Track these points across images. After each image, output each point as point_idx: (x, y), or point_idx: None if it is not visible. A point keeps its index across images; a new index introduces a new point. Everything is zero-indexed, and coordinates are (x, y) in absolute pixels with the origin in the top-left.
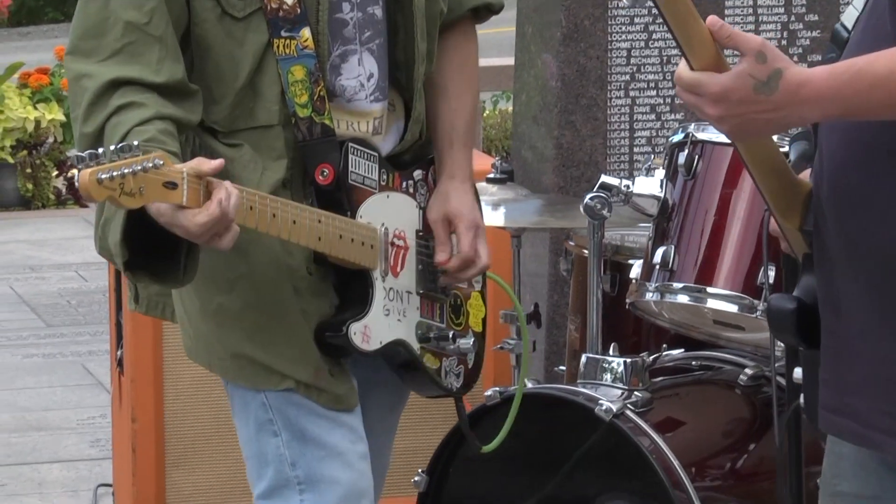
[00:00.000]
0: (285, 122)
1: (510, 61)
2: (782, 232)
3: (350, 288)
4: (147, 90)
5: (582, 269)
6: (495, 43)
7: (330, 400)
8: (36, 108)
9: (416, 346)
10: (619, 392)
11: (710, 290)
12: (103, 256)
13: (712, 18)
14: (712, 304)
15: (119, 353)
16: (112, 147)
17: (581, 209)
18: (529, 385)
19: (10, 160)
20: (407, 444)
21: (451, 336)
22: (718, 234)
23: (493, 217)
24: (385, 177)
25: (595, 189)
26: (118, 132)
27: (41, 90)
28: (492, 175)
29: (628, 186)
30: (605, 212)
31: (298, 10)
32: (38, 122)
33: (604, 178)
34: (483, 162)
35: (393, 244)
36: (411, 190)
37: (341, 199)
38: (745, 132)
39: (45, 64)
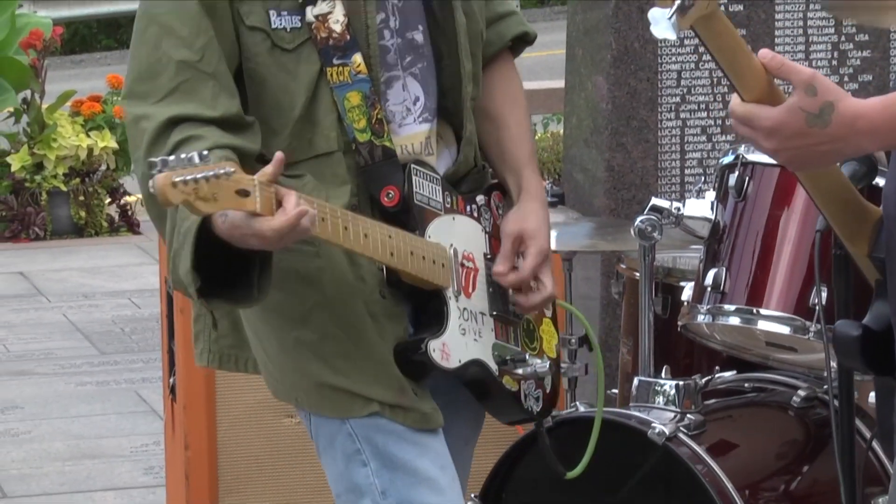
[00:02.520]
0: (345, 149)
1: (560, 84)
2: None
3: (425, 310)
4: (205, 124)
5: (633, 291)
6: (546, 65)
7: (417, 420)
8: (88, 136)
9: (494, 367)
10: (672, 415)
11: (762, 311)
12: (177, 289)
13: (764, 51)
14: (764, 325)
15: (171, 380)
16: (183, 155)
17: (632, 232)
18: (582, 409)
19: (63, 188)
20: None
21: (527, 359)
22: (770, 256)
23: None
24: (449, 199)
25: (645, 211)
26: None
27: (93, 118)
28: None
29: (679, 209)
30: (655, 234)
31: (348, 37)
32: (90, 150)
33: (654, 201)
34: None
35: (463, 265)
36: (475, 214)
37: (409, 219)
38: (801, 163)
39: (98, 91)
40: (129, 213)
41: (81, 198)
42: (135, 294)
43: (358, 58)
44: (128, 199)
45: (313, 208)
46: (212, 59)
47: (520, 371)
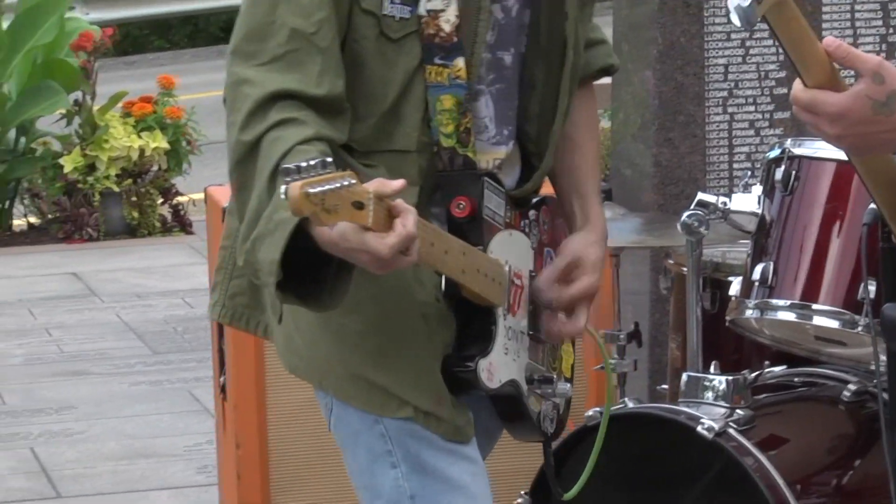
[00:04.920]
0: (420, 150)
1: (608, 79)
2: None
3: (471, 323)
4: (306, 107)
5: (681, 287)
6: None
7: (449, 431)
8: (140, 137)
9: (524, 387)
10: (721, 410)
11: (810, 306)
12: (245, 271)
13: (829, 39)
14: (813, 319)
15: (222, 379)
16: (312, 161)
17: (678, 227)
18: (631, 405)
19: (116, 189)
20: (508, 466)
21: (553, 380)
22: (817, 250)
23: None
24: (509, 215)
25: (692, 207)
26: (279, 148)
27: (145, 119)
28: None
29: (725, 203)
30: (702, 229)
31: (455, 40)
32: (142, 151)
33: (701, 196)
34: None
35: (513, 282)
36: (526, 230)
37: (475, 233)
38: (864, 150)
39: (149, 93)
40: (182, 213)
41: (134, 198)
42: (188, 294)
43: (460, 62)
44: (180, 199)
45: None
46: (327, 35)
47: (547, 392)
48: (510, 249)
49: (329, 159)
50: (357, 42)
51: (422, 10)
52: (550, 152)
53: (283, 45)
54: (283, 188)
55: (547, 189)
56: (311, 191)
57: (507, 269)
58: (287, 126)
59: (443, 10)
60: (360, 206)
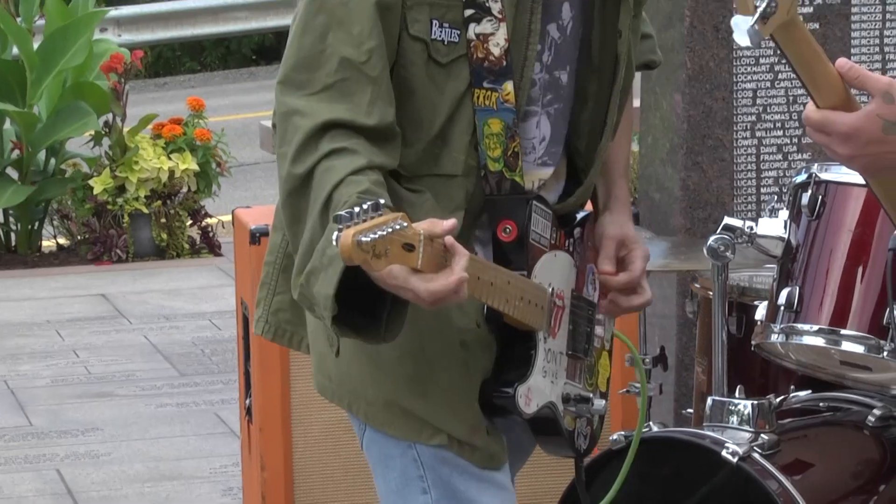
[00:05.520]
0: (466, 174)
1: (637, 103)
2: None
3: (511, 348)
4: (356, 135)
5: (708, 311)
6: None
7: (483, 459)
8: (170, 159)
9: (561, 408)
10: (746, 435)
11: (835, 330)
12: (301, 303)
13: (841, 60)
14: (839, 344)
15: (248, 401)
16: (365, 206)
17: (704, 251)
18: (655, 429)
19: (145, 210)
20: (536, 487)
21: (590, 399)
22: (843, 275)
23: None
24: (555, 236)
25: (718, 231)
26: (331, 178)
27: (174, 140)
28: None
29: (752, 227)
30: (728, 253)
31: (504, 63)
32: (171, 173)
33: (727, 220)
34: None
35: (554, 304)
36: (571, 249)
37: (520, 257)
38: (876, 170)
39: (179, 114)
40: (211, 234)
41: (163, 220)
42: (215, 315)
43: (509, 86)
44: (209, 220)
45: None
46: (377, 64)
47: (582, 410)
48: (553, 271)
49: (382, 201)
50: (405, 68)
51: (471, 34)
52: (597, 168)
53: (334, 74)
54: (335, 235)
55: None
56: (363, 239)
57: (549, 292)
58: (339, 156)
59: (492, 34)
60: (410, 248)
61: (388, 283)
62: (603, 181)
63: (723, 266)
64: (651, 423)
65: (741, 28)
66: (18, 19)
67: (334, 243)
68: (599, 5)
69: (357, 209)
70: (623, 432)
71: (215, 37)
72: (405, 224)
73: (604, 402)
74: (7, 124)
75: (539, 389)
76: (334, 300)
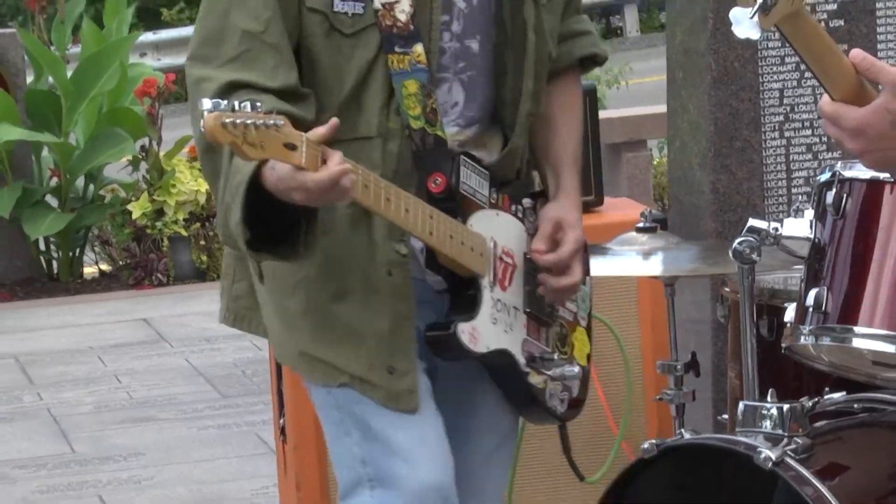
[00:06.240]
0: (383, 135)
1: (663, 108)
2: None
3: (458, 295)
4: (263, 93)
5: (737, 314)
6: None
7: (383, 397)
8: None
9: (521, 360)
10: (779, 439)
11: (864, 330)
12: (227, 244)
13: (855, 51)
14: (868, 344)
15: (281, 421)
16: (237, 102)
17: (730, 254)
18: (687, 436)
19: (184, 233)
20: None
21: (555, 359)
22: (871, 273)
23: (646, 266)
24: (495, 196)
25: (743, 233)
26: None
27: None
28: (641, 224)
29: (777, 229)
30: (754, 256)
31: (411, 27)
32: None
33: (752, 222)
34: (633, 211)
35: (501, 259)
36: (520, 215)
37: (453, 208)
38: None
39: None
40: (202, 131)
41: (202, 242)
42: (255, 336)
43: (419, 48)
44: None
45: (358, 174)
46: (275, 32)
47: (548, 370)
48: (496, 228)
49: (258, 103)
50: (307, 39)
51: (377, 4)
52: (518, 135)
53: (237, 46)
54: (201, 121)
55: None
56: (228, 120)
57: (490, 243)
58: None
59: (396, 2)
60: (292, 147)
61: (280, 187)
62: (551, 172)
63: (749, 269)
64: (683, 430)
65: (740, 20)
66: (52, 48)
67: (201, 128)
68: None
69: (226, 102)
70: (655, 440)
71: None
72: (282, 123)
73: (577, 368)
74: (45, 152)
75: (488, 333)
76: (243, 225)
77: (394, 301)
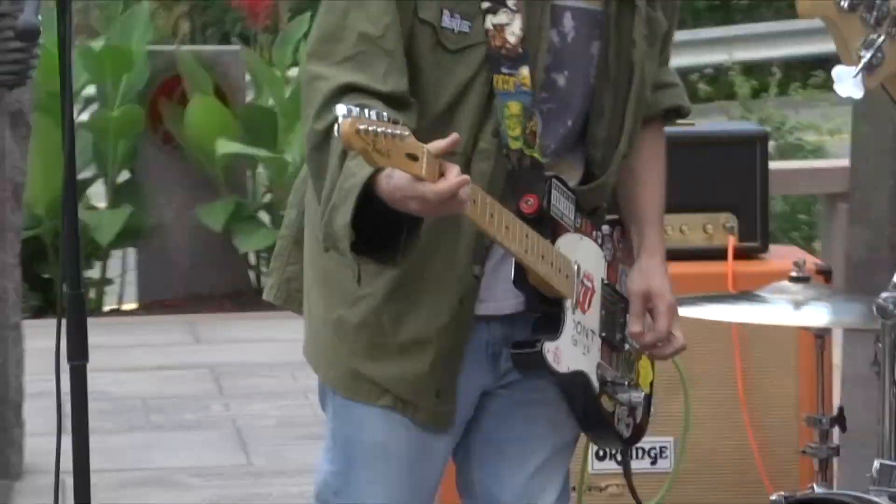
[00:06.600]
0: (470, 154)
1: (846, 162)
2: None
3: (543, 315)
4: (373, 97)
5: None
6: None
7: (424, 419)
8: None
9: (596, 383)
10: None
11: None
12: (325, 243)
13: None
14: None
15: None
16: (367, 109)
17: (873, 309)
18: (818, 490)
19: None
20: None
21: (626, 384)
22: None
23: (796, 316)
24: (580, 220)
25: (890, 288)
26: None
27: None
28: (794, 274)
29: None
30: None
31: (520, 51)
32: None
33: None
34: (787, 260)
35: (583, 283)
36: (599, 241)
37: (542, 229)
38: None
39: None
40: (337, 134)
41: None
42: None
43: (525, 71)
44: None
45: (469, 187)
46: (391, 38)
47: (617, 395)
48: (580, 252)
49: (385, 113)
50: (413, 49)
51: (488, 24)
52: (612, 169)
53: (353, 47)
54: (337, 123)
55: None
56: (362, 127)
57: (575, 266)
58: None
59: (508, 24)
60: (414, 157)
61: (396, 196)
62: (635, 228)
63: (892, 325)
64: (814, 484)
65: (843, 79)
66: (274, 68)
67: (336, 132)
68: (614, 21)
69: (358, 108)
70: (784, 493)
71: None
72: (407, 134)
73: (642, 393)
74: (260, 168)
75: (569, 353)
76: (351, 227)
77: (458, 327)
